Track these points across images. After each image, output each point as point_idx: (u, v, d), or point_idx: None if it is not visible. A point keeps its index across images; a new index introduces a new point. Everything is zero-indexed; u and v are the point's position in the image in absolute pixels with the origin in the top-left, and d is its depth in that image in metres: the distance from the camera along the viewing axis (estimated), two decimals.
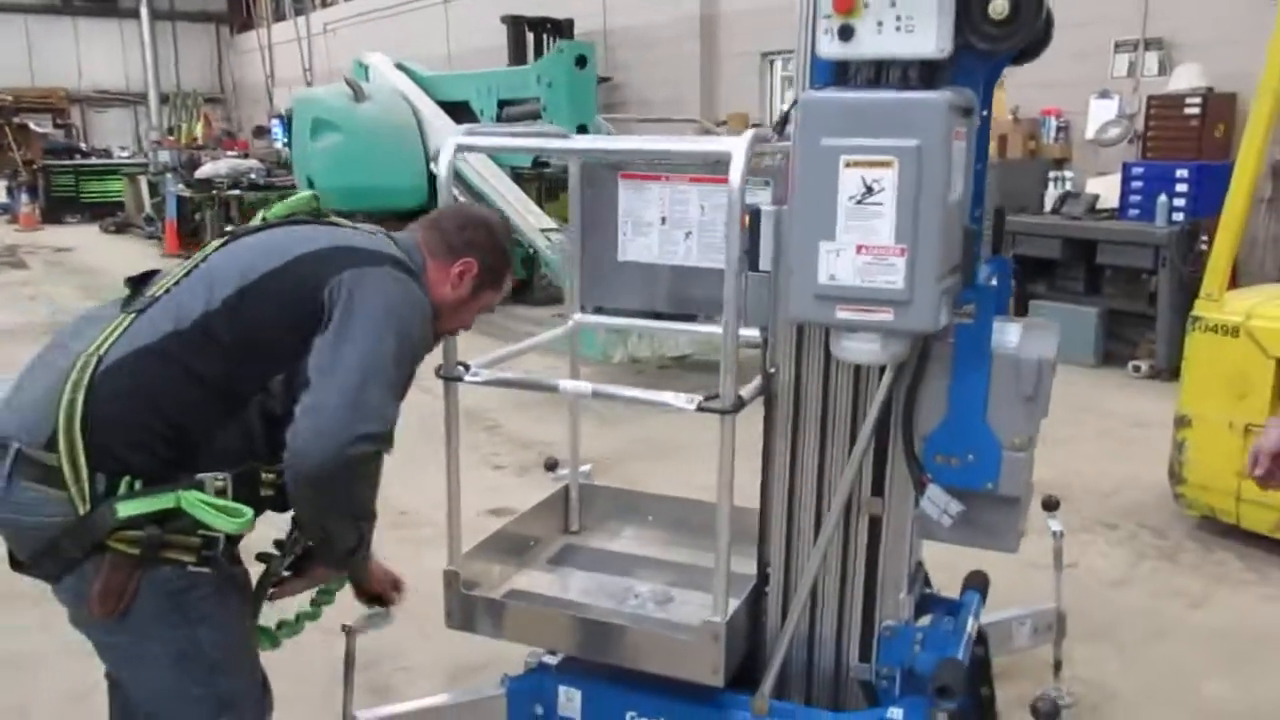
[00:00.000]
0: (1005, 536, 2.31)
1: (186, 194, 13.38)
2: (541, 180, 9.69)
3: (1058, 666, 3.08)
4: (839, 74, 2.13)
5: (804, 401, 2.37)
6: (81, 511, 1.75)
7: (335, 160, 9.51)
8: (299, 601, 2.27)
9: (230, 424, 1.87)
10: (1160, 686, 3.20)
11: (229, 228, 2.09)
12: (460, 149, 2.47)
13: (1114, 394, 6.58)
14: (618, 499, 3.23)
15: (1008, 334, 2.30)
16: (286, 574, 2.15)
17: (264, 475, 1.89)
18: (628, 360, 6.70)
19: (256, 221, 2.09)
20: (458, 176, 8.78)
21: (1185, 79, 7.26)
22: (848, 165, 1.98)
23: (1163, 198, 6.96)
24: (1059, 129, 8.27)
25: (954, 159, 1.99)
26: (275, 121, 18.51)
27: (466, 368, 2.46)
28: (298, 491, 1.84)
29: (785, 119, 2.27)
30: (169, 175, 14.60)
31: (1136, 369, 7.02)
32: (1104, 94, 7.92)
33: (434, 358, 2.32)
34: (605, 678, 2.54)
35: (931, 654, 2.39)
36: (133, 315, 1.86)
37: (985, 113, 2.34)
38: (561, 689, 2.55)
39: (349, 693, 2.44)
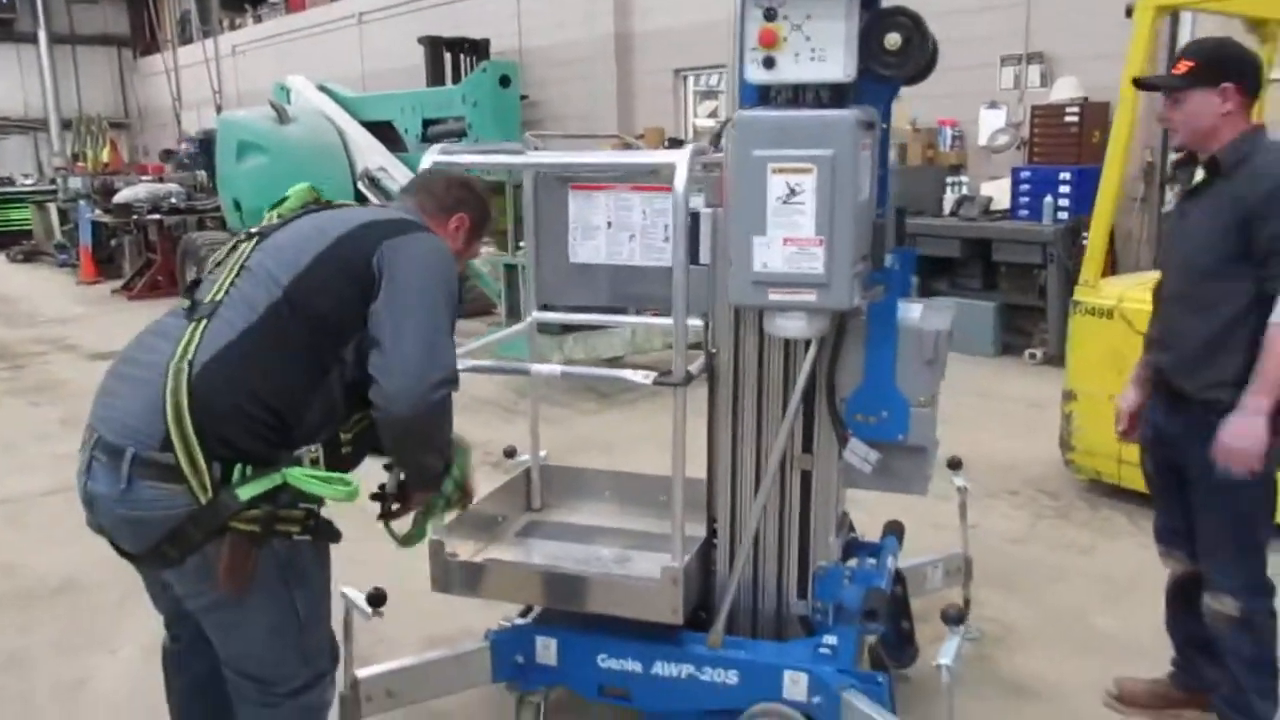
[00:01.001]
0: (916, 481, 2.73)
1: (103, 219, 13.28)
2: None
3: (966, 605, 3.51)
4: (764, 95, 2.55)
5: (742, 375, 2.77)
6: (204, 500, 1.95)
7: (262, 181, 9.62)
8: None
9: (316, 398, 2.08)
10: (1055, 621, 3.67)
11: (252, 229, 2.25)
12: (436, 164, 2.81)
13: (1012, 380, 7.14)
14: (575, 478, 3.57)
15: (912, 311, 2.73)
16: (394, 506, 2.41)
17: (341, 436, 2.15)
18: (564, 363, 7.04)
19: (273, 219, 2.29)
20: (389, 197, 9.05)
21: (1064, 90, 7.91)
22: (774, 171, 2.39)
23: (1048, 199, 7.58)
24: (954, 137, 8.86)
25: (861, 165, 2.42)
26: (185, 145, 18.34)
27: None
28: (393, 437, 2.13)
29: (719, 135, 2.67)
30: (81, 202, 14.43)
31: (1032, 356, 7.61)
32: (993, 105, 8.54)
33: None
34: (577, 627, 2.89)
35: (858, 588, 2.80)
36: (203, 321, 2.04)
37: (885, 126, 2.77)
38: (539, 639, 2.89)
39: (349, 654, 2.73)
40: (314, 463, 2.07)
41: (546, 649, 2.88)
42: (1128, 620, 3.60)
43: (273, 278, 2.10)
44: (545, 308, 3.49)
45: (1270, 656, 2.74)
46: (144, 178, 15.64)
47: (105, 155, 19.92)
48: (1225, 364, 2.61)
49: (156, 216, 12.09)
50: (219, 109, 17.72)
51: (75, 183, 15.49)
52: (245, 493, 1.96)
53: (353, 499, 2.06)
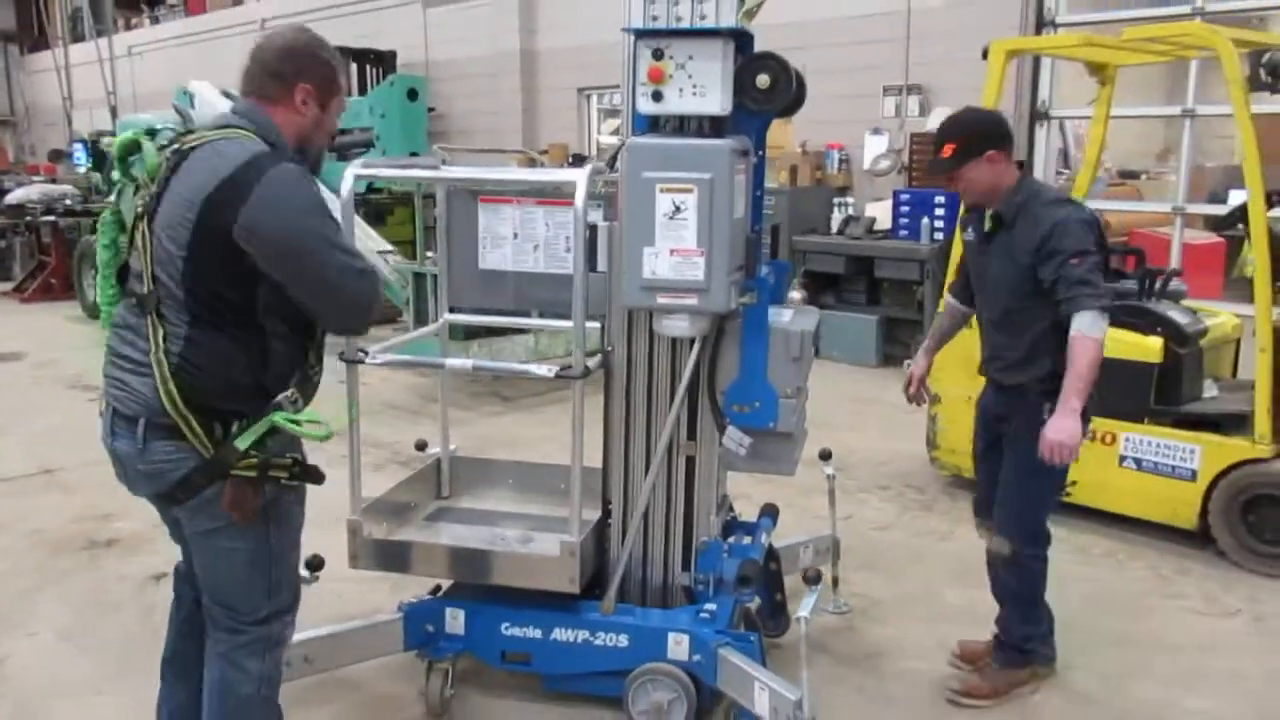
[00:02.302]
0: (785, 463, 3.11)
1: None
2: (368, 205, 10.07)
3: (835, 582, 3.92)
4: (653, 124, 2.91)
5: (634, 370, 3.11)
6: (208, 456, 2.27)
7: None
8: None
9: (272, 357, 2.33)
10: (915, 596, 4.09)
11: (139, 207, 2.36)
12: (357, 178, 3.09)
13: (892, 388, 7.54)
14: (482, 468, 3.86)
15: (782, 315, 3.12)
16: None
17: (309, 370, 2.45)
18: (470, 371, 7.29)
19: (141, 184, 2.45)
20: None
21: (940, 119, 8.50)
22: (661, 190, 2.74)
23: (925, 220, 8.14)
24: (841, 161, 9.40)
25: (736, 187, 2.79)
26: (77, 145, 17.92)
27: (365, 353, 3.08)
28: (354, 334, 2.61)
29: (614, 158, 3.01)
30: None
31: (908, 364, 8.13)
32: (876, 130, 9.10)
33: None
34: (483, 598, 3.19)
35: (735, 561, 3.16)
36: (153, 314, 2.26)
37: (760, 153, 3.16)
38: (448, 610, 3.17)
39: None
40: (293, 403, 2.35)
41: (455, 619, 3.17)
42: (974, 594, 4.00)
43: (173, 279, 2.25)
44: (455, 310, 3.78)
45: (1033, 592, 3.31)
46: (35, 178, 15.26)
47: None
48: (1039, 366, 3.15)
49: (51, 218, 11.88)
50: (114, 110, 17.39)
51: None
52: (243, 442, 2.27)
53: (327, 439, 2.35)
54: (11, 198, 12.47)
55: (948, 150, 3.12)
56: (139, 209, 2.37)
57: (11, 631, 3.77)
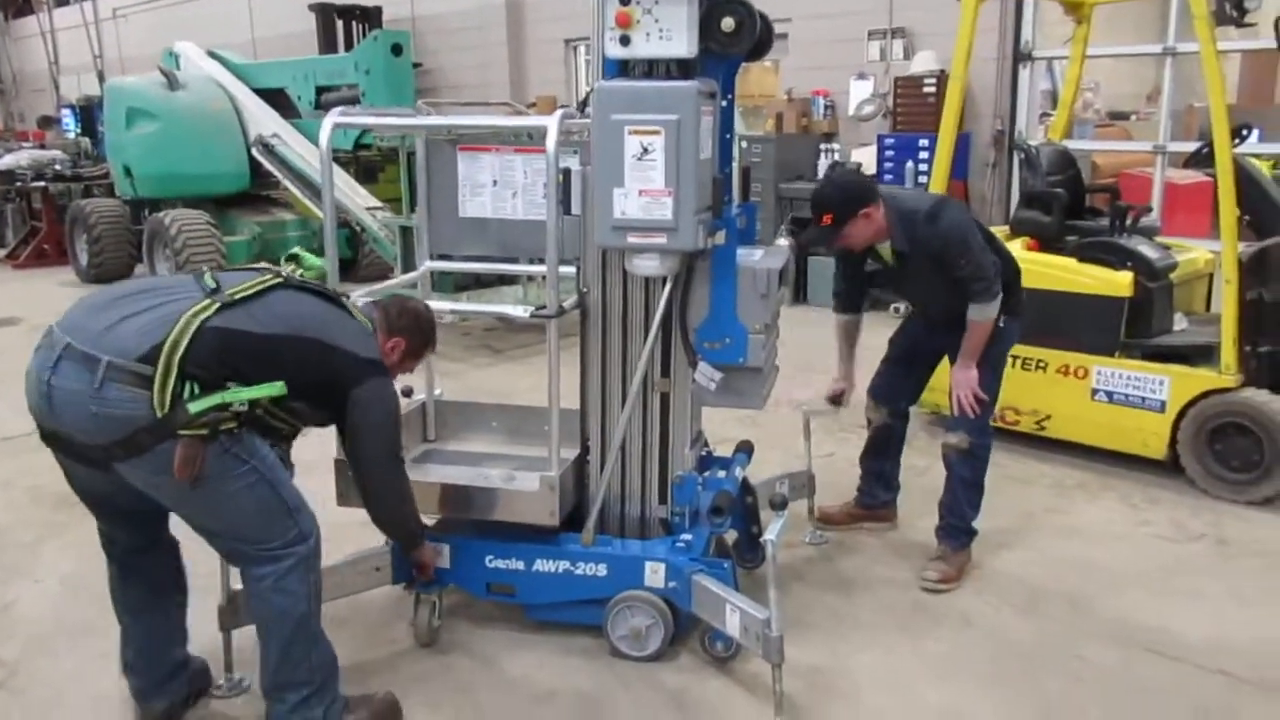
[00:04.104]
0: (753, 397, 3.22)
1: None
2: (358, 163, 10.11)
3: (810, 512, 4.06)
4: (622, 68, 2.97)
5: (609, 310, 3.20)
6: (160, 414, 2.36)
7: (153, 148, 9.65)
8: None
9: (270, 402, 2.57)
10: (887, 529, 4.21)
11: (283, 270, 2.73)
12: (336, 127, 3.17)
13: (880, 332, 7.71)
14: (466, 411, 3.96)
15: (753, 254, 3.20)
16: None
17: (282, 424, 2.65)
18: (458, 321, 7.41)
19: (294, 272, 2.71)
20: (284, 163, 9.20)
21: (923, 63, 8.53)
22: (630, 133, 2.82)
23: (910, 164, 8.21)
24: (827, 107, 9.43)
25: (703, 128, 2.87)
26: (65, 111, 17.85)
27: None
28: (383, 527, 3.03)
29: (585, 101, 3.08)
30: None
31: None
32: (861, 76, 9.13)
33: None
34: (468, 533, 3.31)
35: (710, 493, 3.27)
36: (219, 304, 2.49)
37: (730, 97, 3.23)
38: (434, 545, 3.29)
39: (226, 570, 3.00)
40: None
41: (440, 554, 3.29)
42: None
43: (281, 318, 2.59)
44: (438, 260, 3.86)
45: (980, 479, 3.79)
46: (25, 144, 15.24)
47: None
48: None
49: (41, 184, 11.89)
50: (101, 75, 17.31)
51: None
52: (195, 407, 2.39)
53: (280, 394, 2.51)
54: (1, 164, 12.48)
55: (827, 220, 3.52)
56: (285, 275, 2.76)
57: (18, 579, 3.90)
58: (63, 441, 2.49)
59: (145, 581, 2.82)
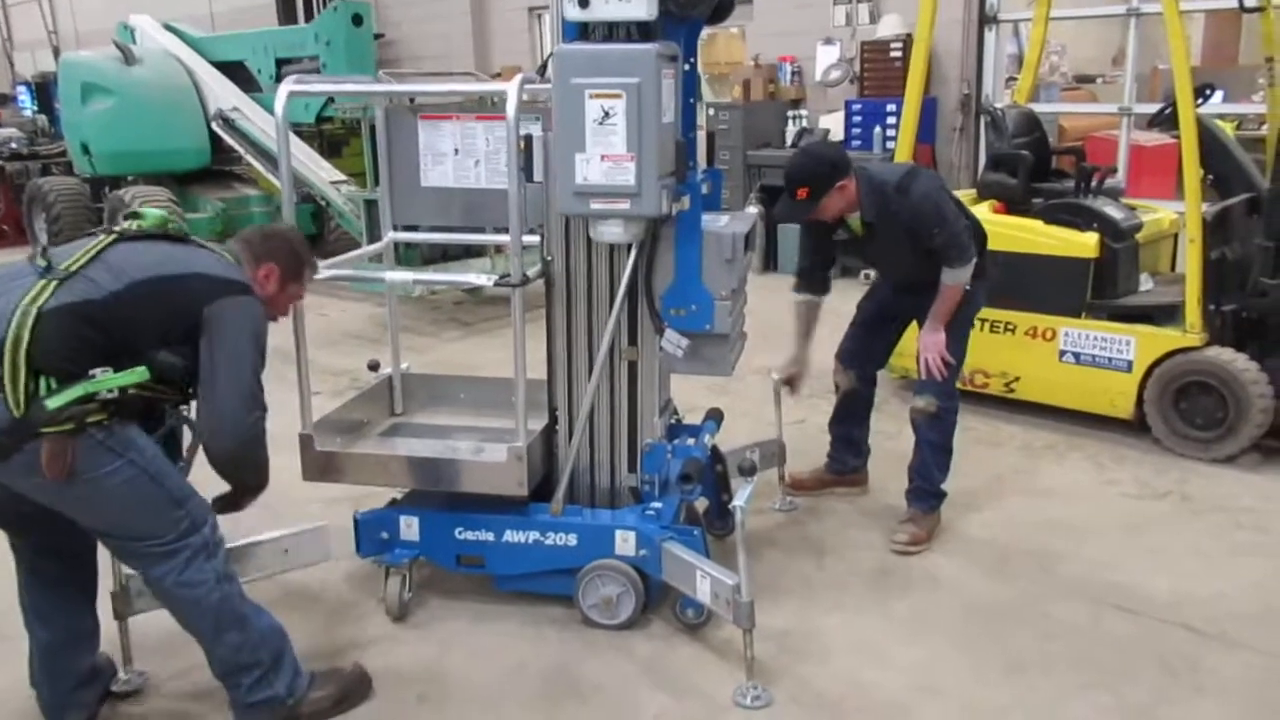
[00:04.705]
0: (721, 364, 3.21)
1: None
2: (322, 137, 9.96)
3: (781, 479, 4.06)
4: (582, 31, 2.92)
5: (574, 278, 3.17)
6: (17, 414, 2.26)
7: (109, 124, 9.44)
8: None
9: (126, 361, 2.40)
10: (857, 495, 4.23)
11: (116, 227, 2.54)
12: (291, 95, 3.10)
13: (848, 300, 7.73)
14: (433, 384, 3.93)
15: (718, 220, 3.18)
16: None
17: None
18: (426, 294, 7.35)
19: (130, 226, 2.55)
20: (245, 138, 9.04)
21: (889, 27, 8.49)
22: (591, 96, 2.78)
23: (877, 129, 8.19)
24: (794, 73, 9.36)
25: (665, 92, 2.82)
26: (20, 89, 17.47)
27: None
28: (220, 463, 2.55)
29: (545, 65, 3.03)
30: None
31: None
32: (828, 41, 9.06)
33: None
34: (437, 505, 3.28)
35: (679, 461, 3.26)
36: (55, 281, 2.35)
37: (692, 61, 3.19)
38: (402, 518, 3.27)
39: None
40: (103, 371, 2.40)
41: (409, 526, 3.27)
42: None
43: (122, 271, 2.42)
44: (403, 232, 3.81)
45: (948, 442, 3.82)
46: None
47: None
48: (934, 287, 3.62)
49: None
50: (56, 51, 16.95)
51: None
52: (53, 403, 2.28)
53: (145, 378, 2.41)
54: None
55: (802, 194, 3.48)
56: (114, 230, 2.54)
57: None
58: None
59: (53, 585, 2.71)
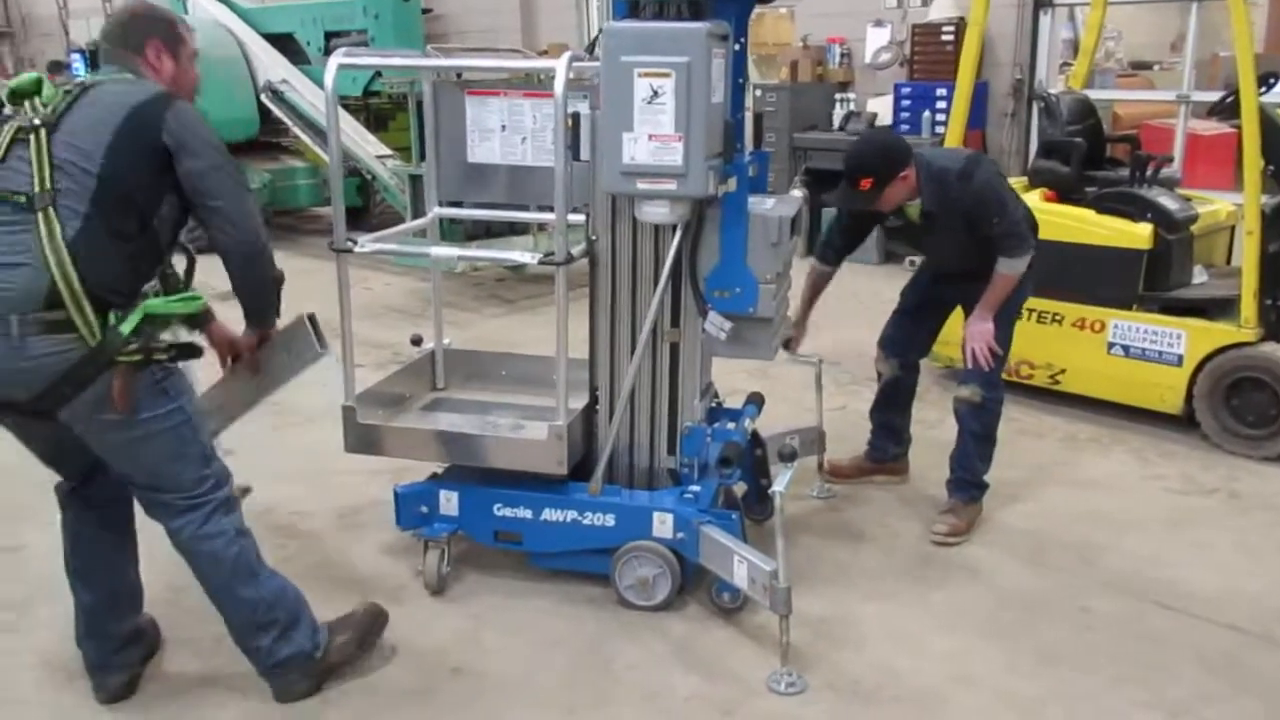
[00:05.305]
0: (764, 348, 3.19)
1: None
2: (368, 110, 10.01)
3: (820, 467, 4.04)
4: (633, 9, 2.91)
5: (618, 258, 3.16)
6: (94, 343, 2.35)
7: None
8: None
9: (150, 252, 2.53)
10: (897, 483, 4.20)
11: (26, 120, 2.42)
12: (340, 68, 3.11)
13: (892, 286, 7.63)
14: (476, 360, 3.95)
15: (764, 202, 3.15)
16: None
17: (166, 270, 2.68)
18: (470, 270, 7.37)
19: (31, 112, 2.42)
20: (294, 110, 9.11)
21: (941, 10, 8.35)
22: (640, 75, 2.76)
23: (926, 114, 8.07)
24: (842, 55, 9.24)
25: (714, 72, 2.80)
26: (75, 56, 17.71)
27: (354, 242, 3.14)
28: (245, 266, 2.59)
29: (594, 43, 3.01)
30: None
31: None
32: (878, 23, 8.93)
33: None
34: (476, 481, 3.30)
35: (719, 444, 3.25)
36: (49, 209, 2.34)
37: (742, 40, 3.16)
38: (441, 492, 3.29)
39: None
40: (158, 294, 2.56)
41: (448, 501, 3.29)
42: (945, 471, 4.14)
43: (85, 171, 2.40)
44: (448, 208, 3.81)
45: (991, 433, 3.78)
46: None
47: None
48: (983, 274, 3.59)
49: None
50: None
51: None
52: (125, 328, 2.38)
53: (203, 309, 2.62)
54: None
55: (866, 184, 3.43)
56: (33, 122, 2.42)
57: (30, 521, 3.91)
58: (11, 406, 2.47)
59: (92, 544, 2.77)
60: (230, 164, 2.56)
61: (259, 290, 2.71)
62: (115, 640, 2.83)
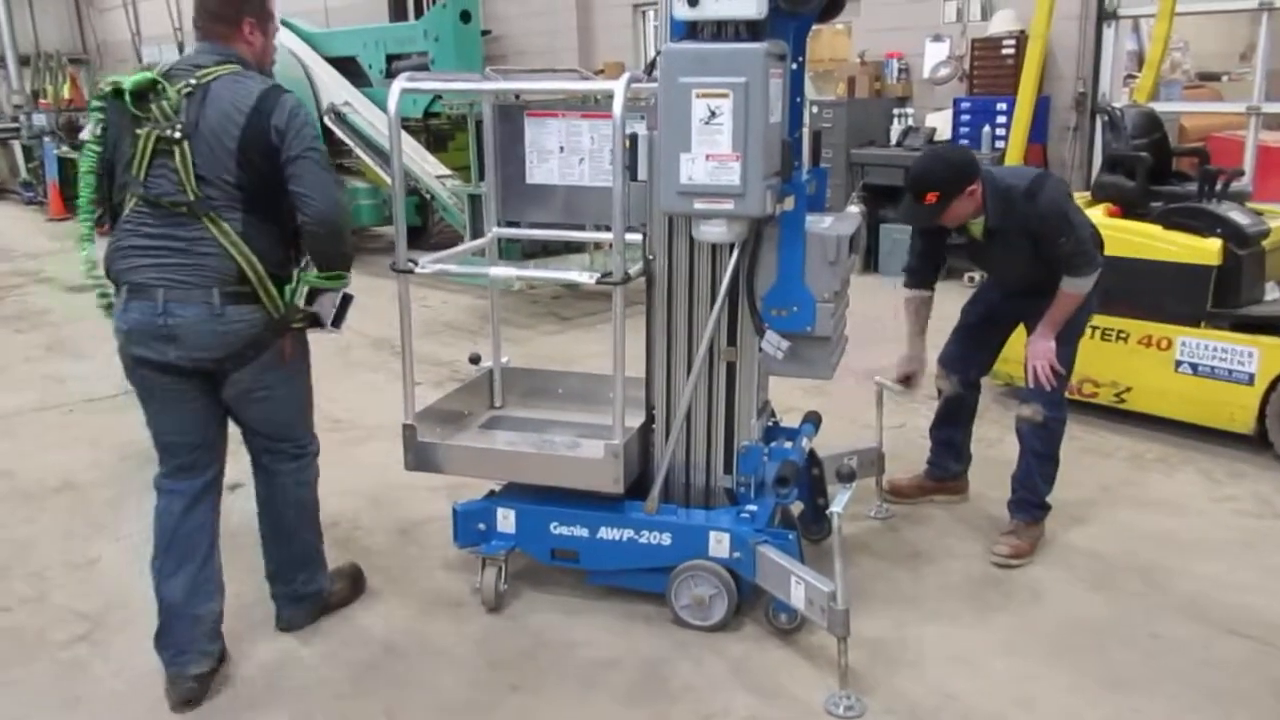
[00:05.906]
0: (822, 366, 3.17)
1: (70, 156, 13.32)
2: (429, 132, 10.16)
3: (879, 486, 4.00)
4: (690, 30, 2.92)
5: (675, 277, 3.17)
6: (276, 315, 2.81)
7: None
8: None
9: (289, 230, 2.88)
10: (956, 503, 4.14)
11: (166, 131, 2.67)
12: (404, 92, 3.17)
13: (952, 302, 7.56)
14: (533, 378, 3.98)
15: (822, 221, 3.14)
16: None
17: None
18: (526, 288, 7.44)
19: (165, 124, 2.67)
20: (356, 132, 9.28)
21: (1002, 23, 8.26)
22: (698, 96, 2.77)
23: (986, 128, 7.97)
24: (900, 70, 9.18)
25: (772, 92, 2.80)
26: None
27: (415, 263, 3.19)
28: (327, 239, 2.83)
29: (652, 64, 3.04)
30: (46, 139, 14.44)
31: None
32: (937, 37, 8.86)
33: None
34: (533, 499, 3.32)
35: (776, 464, 3.23)
36: (213, 214, 2.72)
37: (800, 59, 3.16)
38: (499, 510, 3.32)
39: None
40: (303, 268, 2.93)
41: (506, 518, 3.32)
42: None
43: (225, 182, 2.73)
44: (506, 226, 3.86)
45: (1054, 453, 3.72)
46: None
47: (66, 91, 19.67)
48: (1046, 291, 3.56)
49: None
50: (180, 45, 17.59)
51: (39, 119, 15.42)
52: (297, 299, 2.85)
53: (345, 287, 2.94)
54: (86, 134, 12.79)
55: (931, 198, 3.40)
56: (173, 134, 2.69)
57: (102, 535, 4.03)
58: (180, 370, 2.79)
59: (177, 531, 2.91)
60: (319, 151, 2.83)
61: (332, 265, 2.92)
62: (199, 628, 2.91)
